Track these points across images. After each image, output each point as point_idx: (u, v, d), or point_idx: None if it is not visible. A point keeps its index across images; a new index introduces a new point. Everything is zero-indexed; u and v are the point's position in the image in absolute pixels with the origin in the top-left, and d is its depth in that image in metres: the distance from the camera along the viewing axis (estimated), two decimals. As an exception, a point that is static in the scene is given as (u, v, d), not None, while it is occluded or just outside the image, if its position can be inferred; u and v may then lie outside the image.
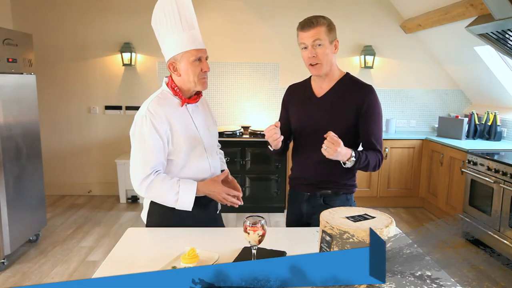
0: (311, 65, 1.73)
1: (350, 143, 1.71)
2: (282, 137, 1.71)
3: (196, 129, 1.72)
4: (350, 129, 1.75)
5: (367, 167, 1.72)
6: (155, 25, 1.70)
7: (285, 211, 2.08)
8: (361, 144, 1.81)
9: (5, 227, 3.08)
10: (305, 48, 1.71)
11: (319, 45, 1.68)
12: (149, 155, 1.62)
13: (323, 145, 1.58)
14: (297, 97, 1.87)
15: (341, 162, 1.67)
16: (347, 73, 1.82)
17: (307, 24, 1.68)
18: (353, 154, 1.65)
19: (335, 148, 1.56)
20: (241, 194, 1.75)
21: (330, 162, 1.68)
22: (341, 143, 1.58)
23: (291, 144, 1.99)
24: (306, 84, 1.88)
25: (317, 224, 1.84)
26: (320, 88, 1.80)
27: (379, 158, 1.75)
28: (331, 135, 1.58)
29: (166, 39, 1.66)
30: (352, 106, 1.73)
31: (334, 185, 1.81)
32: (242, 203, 1.76)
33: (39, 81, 3.93)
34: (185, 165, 1.69)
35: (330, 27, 1.70)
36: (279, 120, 1.96)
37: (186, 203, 1.63)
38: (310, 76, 1.88)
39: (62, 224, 4.12)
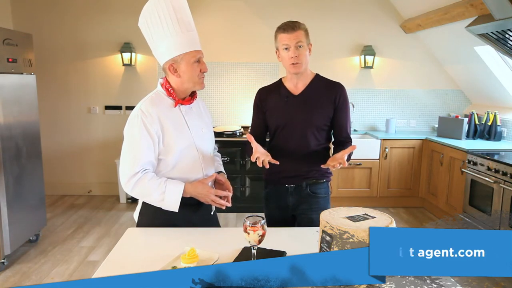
0: (292, 64, 1.87)
1: (327, 134, 1.97)
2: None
3: (189, 130, 1.73)
4: (328, 121, 1.95)
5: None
6: (146, 26, 1.69)
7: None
8: (332, 132, 2.01)
9: (5, 227, 3.08)
10: (287, 49, 1.86)
11: (300, 46, 1.85)
12: (138, 153, 1.63)
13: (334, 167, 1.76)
14: (272, 97, 1.99)
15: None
16: (317, 74, 2.00)
17: (290, 27, 1.84)
18: (345, 157, 1.79)
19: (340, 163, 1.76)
20: (230, 194, 1.74)
21: (315, 153, 1.92)
22: (343, 159, 1.75)
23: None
24: (278, 85, 2.00)
25: (302, 214, 1.98)
26: (295, 87, 1.96)
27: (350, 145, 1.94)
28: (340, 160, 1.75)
29: (163, 41, 1.65)
30: (329, 101, 1.93)
31: (318, 174, 1.97)
32: (231, 205, 1.74)
33: (39, 81, 3.93)
34: (175, 165, 1.69)
35: (307, 32, 1.89)
36: (252, 124, 2.09)
37: (172, 204, 1.63)
38: (280, 79, 2.02)
39: (62, 224, 4.12)
